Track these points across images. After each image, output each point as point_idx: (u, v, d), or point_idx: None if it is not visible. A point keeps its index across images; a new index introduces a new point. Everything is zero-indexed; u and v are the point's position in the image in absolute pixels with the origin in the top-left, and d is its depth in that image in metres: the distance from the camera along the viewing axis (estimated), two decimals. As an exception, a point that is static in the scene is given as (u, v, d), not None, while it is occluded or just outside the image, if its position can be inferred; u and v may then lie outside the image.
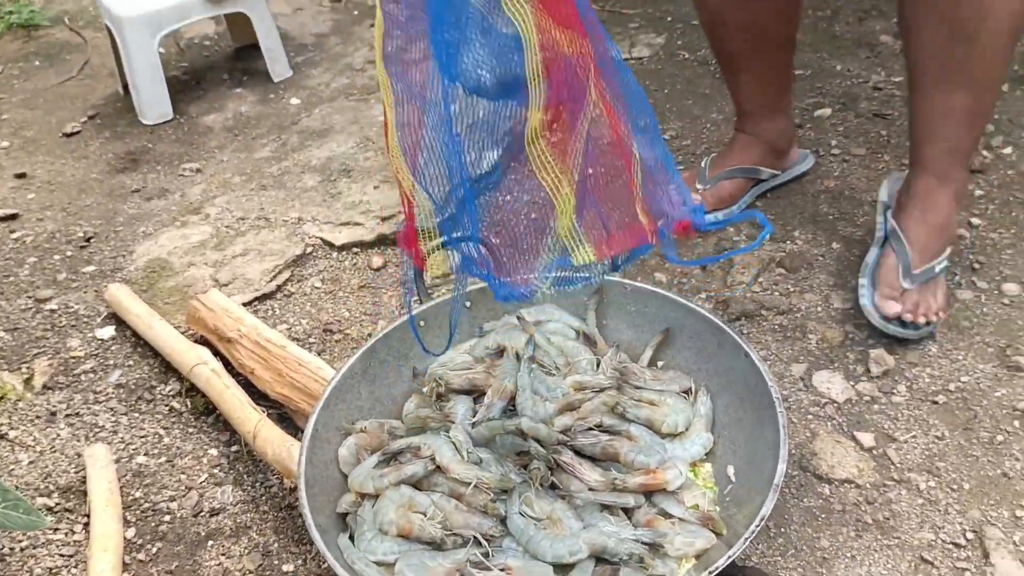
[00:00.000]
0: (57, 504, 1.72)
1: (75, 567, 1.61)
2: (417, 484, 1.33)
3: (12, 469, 1.78)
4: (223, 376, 1.86)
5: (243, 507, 1.72)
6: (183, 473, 1.78)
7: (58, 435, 1.85)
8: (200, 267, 2.24)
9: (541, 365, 1.48)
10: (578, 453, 1.35)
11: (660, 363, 1.55)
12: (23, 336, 2.08)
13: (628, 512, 1.30)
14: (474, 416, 1.42)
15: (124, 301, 2.06)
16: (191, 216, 2.44)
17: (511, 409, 1.42)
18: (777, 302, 1.97)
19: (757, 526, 1.16)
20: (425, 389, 1.46)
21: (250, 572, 1.61)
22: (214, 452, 1.82)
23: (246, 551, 1.64)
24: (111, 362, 2.01)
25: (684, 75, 2.76)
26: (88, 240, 2.38)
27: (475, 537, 1.25)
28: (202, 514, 1.71)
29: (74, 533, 1.67)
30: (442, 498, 1.29)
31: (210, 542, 1.66)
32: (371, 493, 1.32)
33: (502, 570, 1.22)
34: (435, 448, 1.33)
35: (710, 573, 1.11)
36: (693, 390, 1.47)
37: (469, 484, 1.28)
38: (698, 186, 2.12)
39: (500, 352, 1.51)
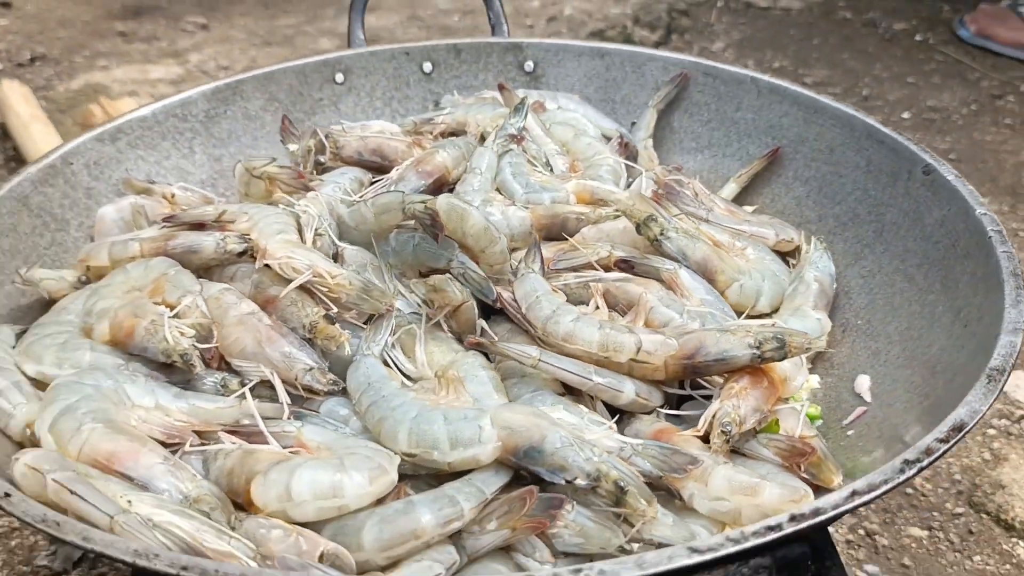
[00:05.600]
0: None
1: None
2: (207, 271, 0.64)
3: None
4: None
5: None
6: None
7: None
8: (142, 97, 1.65)
9: (523, 150, 0.78)
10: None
11: (751, 208, 0.82)
12: None
13: (617, 410, 0.58)
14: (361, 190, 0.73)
15: None
16: (168, 59, 1.88)
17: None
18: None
19: (882, 489, 0.42)
20: (297, 146, 0.77)
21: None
22: None
23: None
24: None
25: (842, 32, 2.03)
26: (32, 60, 1.85)
27: (271, 376, 0.55)
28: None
29: None
30: (229, 293, 0.60)
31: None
32: (102, 264, 0.64)
33: (287, 446, 0.52)
34: (256, 220, 0.65)
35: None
36: (801, 245, 0.74)
37: (298, 280, 0.59)
38: None
39: (452, 133, 0.82)
